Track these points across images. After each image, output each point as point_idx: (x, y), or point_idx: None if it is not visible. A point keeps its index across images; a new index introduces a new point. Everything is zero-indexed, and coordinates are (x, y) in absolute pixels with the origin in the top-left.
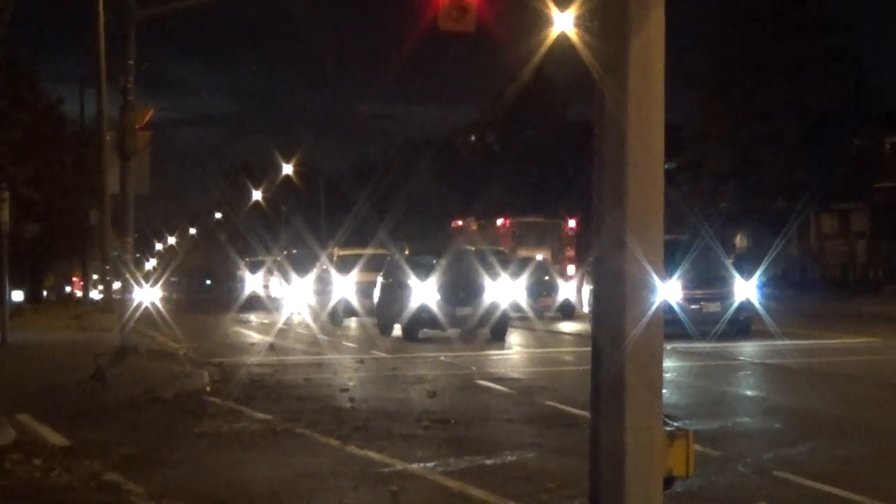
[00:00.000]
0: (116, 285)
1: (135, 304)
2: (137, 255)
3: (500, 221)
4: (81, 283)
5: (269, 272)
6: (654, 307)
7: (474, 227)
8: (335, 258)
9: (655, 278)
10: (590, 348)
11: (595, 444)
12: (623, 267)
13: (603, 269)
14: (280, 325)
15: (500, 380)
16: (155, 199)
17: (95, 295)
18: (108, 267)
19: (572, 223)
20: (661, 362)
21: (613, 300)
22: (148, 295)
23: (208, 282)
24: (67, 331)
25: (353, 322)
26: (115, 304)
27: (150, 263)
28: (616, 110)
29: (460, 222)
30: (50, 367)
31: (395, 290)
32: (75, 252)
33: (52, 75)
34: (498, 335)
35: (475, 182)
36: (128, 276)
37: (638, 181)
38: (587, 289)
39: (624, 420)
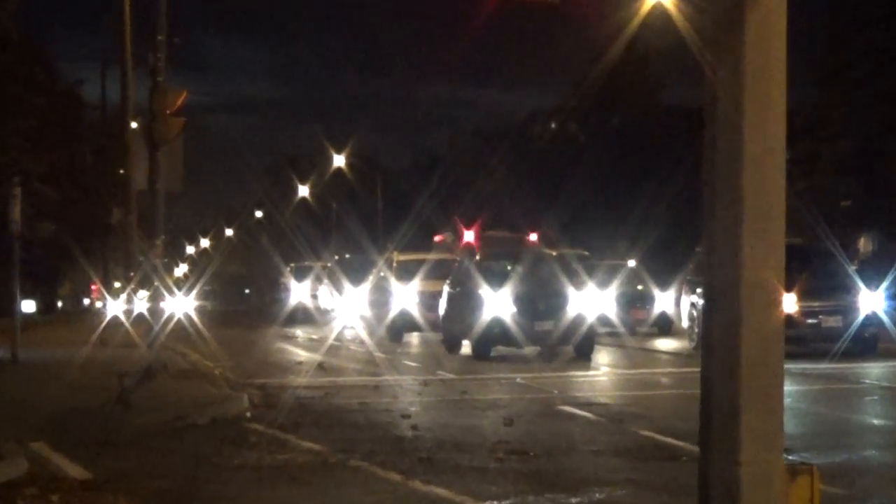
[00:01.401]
0: (142, 294)
1: (165, 315)
2: (166, 261)
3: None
4: (100, 292)
5: (318, 280)
6: (774, 321)
7: (450, 241)
8: (394, 264)
9: (777, 287)
10: (690, 369)
11: (704, 481)
12: (739, 275)
13: (714, 277)
14: (331, 341)
15: (585, 405)
16: (187, 195)
17: (117, 306)
18: (132, 273)
19: (534, 237)
20: (781, 385)
21: (727, 313)
22: (180, 305)
23: (247, 291)
24: (86, 346)
25: (414, 338)
26: (151, 316)
27: (181, 269)
28: (728, 99)
29: (439, 237)
30: (67, 389)
31: (463, 302)
32: (95, 256)
33: (70, 54)
34: (583, 353)
35: (556, 176)
36: (157, 283)
37: (756, 178)
38: (687, 300)
39: (738, 453)
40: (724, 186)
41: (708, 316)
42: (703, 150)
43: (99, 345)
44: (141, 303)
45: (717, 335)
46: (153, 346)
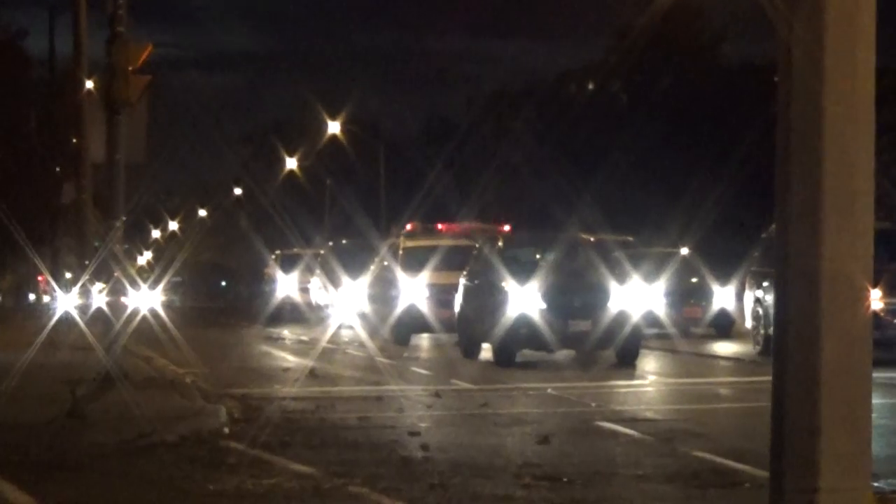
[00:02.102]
0: (98, 287)
1: (127, 312)
2: (126, 247)
3: (438, 226)
4: (48, 284)
5: (309, 271)
6: (860, 321)
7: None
8: (400, 251)
9: (863, 280)
10: (755, 378)
11: None
12: (818, 265)
13: (788, 268)
14: (324, 343)
15: (629, 421)
16: (152, 169)
17: (68, 301)
18: (87, 262)
19: (506, 228)
20: (868, 399)
21: (803, 311)
22: (144, 300)
23: (224, 283)
24: (31, 349)
25: (424, 340)
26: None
27: (144, 257)
28: (805, 56)
29: (409, 226)
30: (8, 400)
31: (483, 297)
32: (42, 242)
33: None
34: (627, 359)
35: (594, 147)
36: (117, 274)
37: (839, 149)
38: (751, 296)
39: (817, 478)
40: (799, 160)
41: (780, 315)
42: (776, 117)
43: (47, 347)
44: (98, 297)
45: (792, 338)
46: (112, 349)
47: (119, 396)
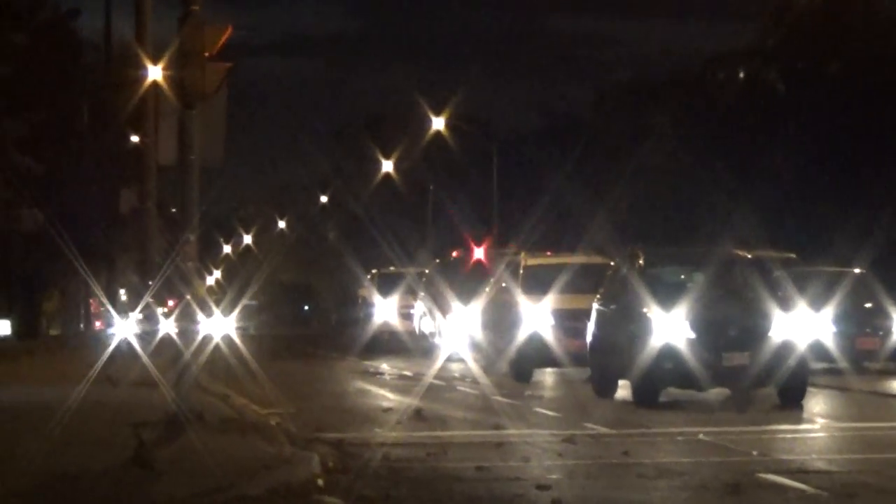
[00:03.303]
0: (161, 311)
1: (198, 341)
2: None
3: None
4: (103, 307)
5: (411, 293)
6: None
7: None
8: (521, 270)
9: None
10: None
11: None
12: None
13: None
14: (430, 378)
15: (799, 473)
16: (224, 173)
17: (128, 327)
18: (150, 282)
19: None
20: None
21: None
22: (217, 327)
23: (307, 307)
24: (85, 384)
25: (549, 375)
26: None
27: (213, 276)
28: None
29: (456, 253)
30: (61, 445)
31: (620, 324)
32: (96, 257)
33: None
34: (792, 398)
35: (747, 147)
36: (189, 296)
37: None
38: None
39: None
40: None
41: None
42: None
43: (103, 382)
44: (166, 323)
45: None
46: (181, 385)
47: (191, 441)
